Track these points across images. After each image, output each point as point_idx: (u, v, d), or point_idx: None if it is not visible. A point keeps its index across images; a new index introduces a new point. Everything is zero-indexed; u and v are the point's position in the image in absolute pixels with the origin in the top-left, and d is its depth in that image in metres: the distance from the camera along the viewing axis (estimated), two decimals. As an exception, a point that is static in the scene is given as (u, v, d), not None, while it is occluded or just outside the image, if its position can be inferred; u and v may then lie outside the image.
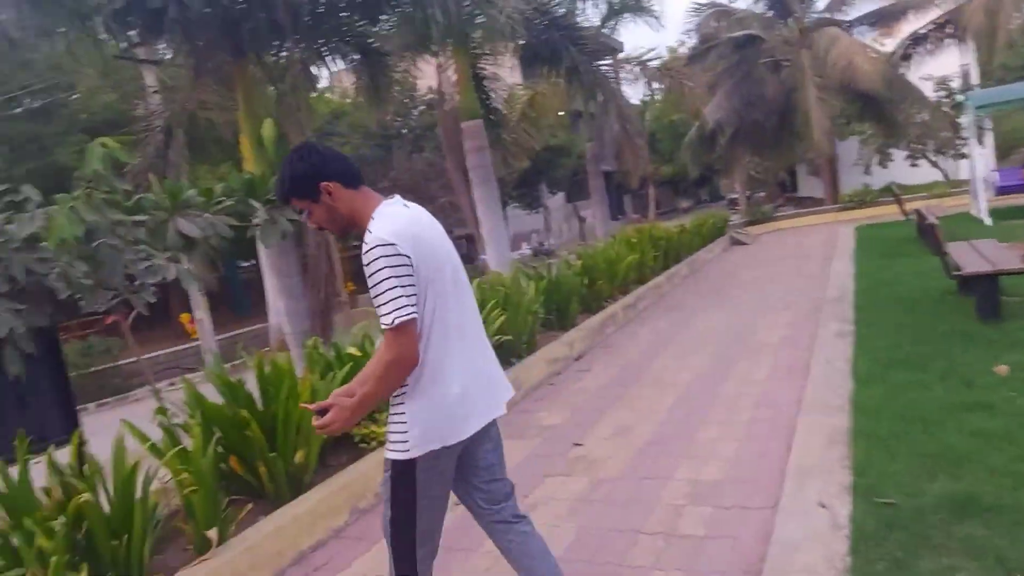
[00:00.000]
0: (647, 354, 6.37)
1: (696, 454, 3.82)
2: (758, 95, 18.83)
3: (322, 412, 2.00)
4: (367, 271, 1.91)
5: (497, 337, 5.57)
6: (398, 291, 1.87)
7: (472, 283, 6.35)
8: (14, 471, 2.82)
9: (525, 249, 25.87)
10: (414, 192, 20.54)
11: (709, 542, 2.87)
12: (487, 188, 10.15)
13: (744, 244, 14.99)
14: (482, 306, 5.70)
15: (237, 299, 21.27)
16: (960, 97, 16.57)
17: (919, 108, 18.11)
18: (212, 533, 3.02)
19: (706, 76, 18.59)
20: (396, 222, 1.96)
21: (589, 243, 20.73)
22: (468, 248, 26.13)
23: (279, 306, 6.58)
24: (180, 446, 3.30)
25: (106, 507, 2.89)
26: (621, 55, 15.05)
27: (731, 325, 7.06)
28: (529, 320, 6.15)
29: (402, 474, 1.99)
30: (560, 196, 33.17)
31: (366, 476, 3.78)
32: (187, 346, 14.69)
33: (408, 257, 1.90)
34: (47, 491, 2.82)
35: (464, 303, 2.11)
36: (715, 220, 14.72)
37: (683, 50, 26.47)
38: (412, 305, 1.89)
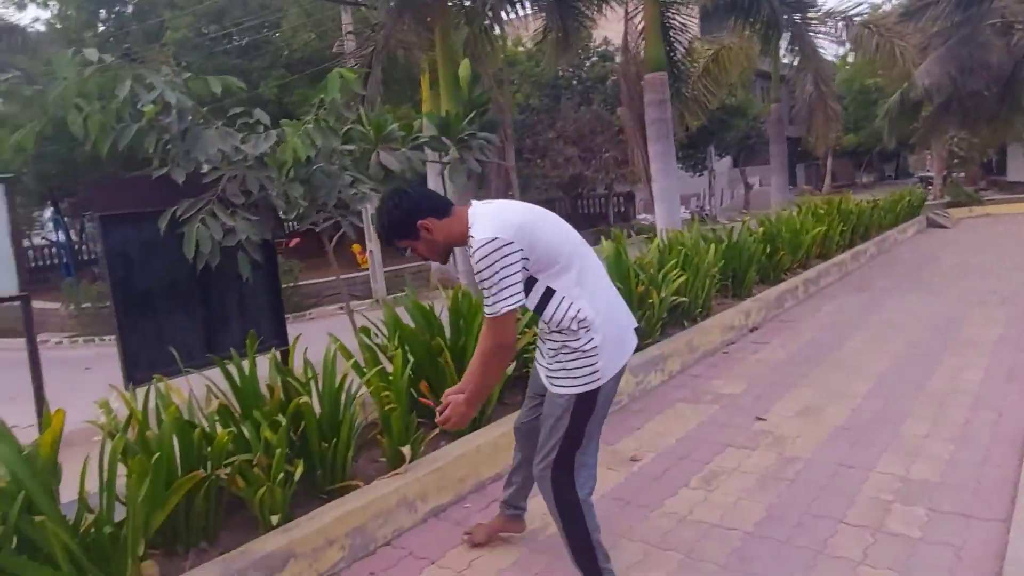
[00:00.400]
0: (832, 335, 5.89)
1: (901, 449, 3.47)
2: (980, 61, 16.46)
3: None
4: (474, 271, 2.09)
5: (673, 298, 5.38)
6: (500, 282, 2.05)
7: (652, 242, 6.19)
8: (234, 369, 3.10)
9: (684, 212, 24.98)
10: (579, 144, 20.35)
11: (926, 546, 2.60)
12: (664, 144, 9.76)
13: (944, 227, 13.44)
14: (661, 264, 5.52)
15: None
16: None
17: None
18: (406, 450, 3.18)
19: (916, 37, 16.54)
20: (492, 219, 2.12)
21: (753, 211, 19.53)
22: (625, 206, 25.69)
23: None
24: (380, 366, 3.48)
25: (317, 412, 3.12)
26: (821, 9, 13.72)
27: (932, 315, 6.34)
28: (707, 284, 5.88)
29: (585, 403, 2.19)
30: (727, 160, 31.54)
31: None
32: (356, 275, 15.67)
33: (511, 243, 2.05)
34: (269, 388, 3.08)
35: (590, 250, 2.36)
36: (912, 198, 13.25)
37: (887, 7, 23.78)
38: (515, 295, 2.07)
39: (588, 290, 2.19)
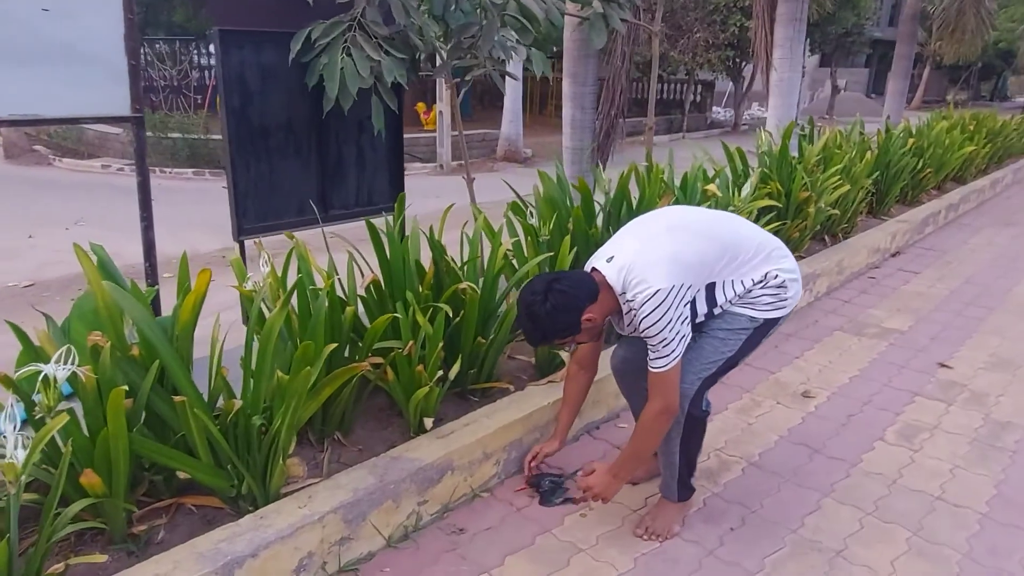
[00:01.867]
0: (996, 274, 5.18)
1: None
2: None
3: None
4: (641, 328, 1.87)
5: (827, 210, 4.69)
6: (674, 333, 1.84)
7: (816, 141, 5.36)
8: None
9: (761, 111, 23.24)
10: (667, 20, 18.57)
11: None
12: (794, 28, 8.53)
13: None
14: (822, 166, 4.79)
15: (463, 101, 21.23)
16: None
17: None
18: (565, 355, 2.71)
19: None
20: (654, 267, 1.86)
21: (838, 117, 17.87)
22: (703, 95, 23.93)
23: (567, 115, 5.98)
24: (544, 252, 2.94)
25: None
26: None
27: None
28: (858, 197, 5.15)
29: (765, 328, 2.06)
30: (814, 58, 29.00)
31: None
32: (419, 135, 14.89)
33: (683, 285, 1.85)
34: (418, 267, 2.57)
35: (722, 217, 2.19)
36: (1045, 124, 11.85)
37: None
38: (685, 341, 1.88)
39: (747, 256, 2.02)
